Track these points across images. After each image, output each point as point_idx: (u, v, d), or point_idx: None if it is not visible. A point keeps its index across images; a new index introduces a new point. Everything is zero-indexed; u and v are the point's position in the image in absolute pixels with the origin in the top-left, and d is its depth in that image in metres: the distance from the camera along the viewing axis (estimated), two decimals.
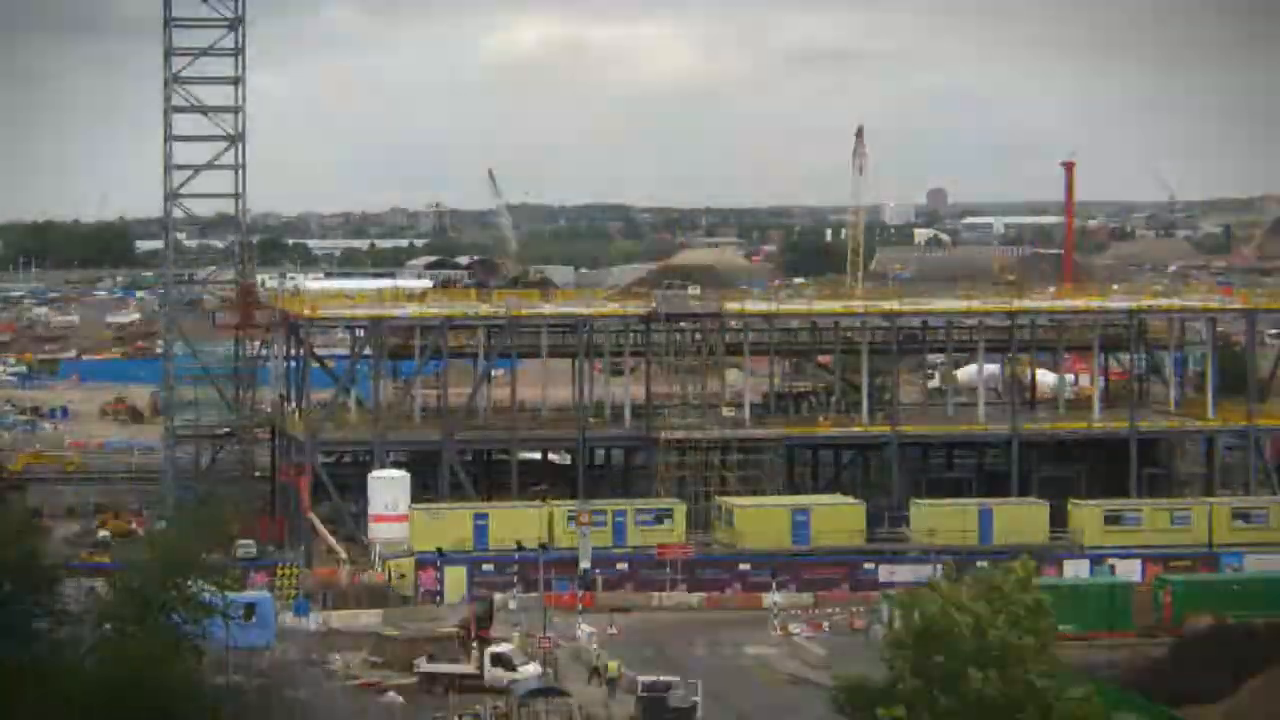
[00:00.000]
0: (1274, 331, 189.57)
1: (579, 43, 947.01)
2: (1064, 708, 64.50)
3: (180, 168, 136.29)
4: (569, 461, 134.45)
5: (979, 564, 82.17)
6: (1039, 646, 65.83)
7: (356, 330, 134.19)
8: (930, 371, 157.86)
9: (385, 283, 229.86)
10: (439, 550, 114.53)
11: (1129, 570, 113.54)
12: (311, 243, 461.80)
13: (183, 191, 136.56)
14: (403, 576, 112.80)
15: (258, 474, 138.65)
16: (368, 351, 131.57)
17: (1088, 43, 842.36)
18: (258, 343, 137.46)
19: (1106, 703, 69.69)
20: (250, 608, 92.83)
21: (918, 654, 66.17)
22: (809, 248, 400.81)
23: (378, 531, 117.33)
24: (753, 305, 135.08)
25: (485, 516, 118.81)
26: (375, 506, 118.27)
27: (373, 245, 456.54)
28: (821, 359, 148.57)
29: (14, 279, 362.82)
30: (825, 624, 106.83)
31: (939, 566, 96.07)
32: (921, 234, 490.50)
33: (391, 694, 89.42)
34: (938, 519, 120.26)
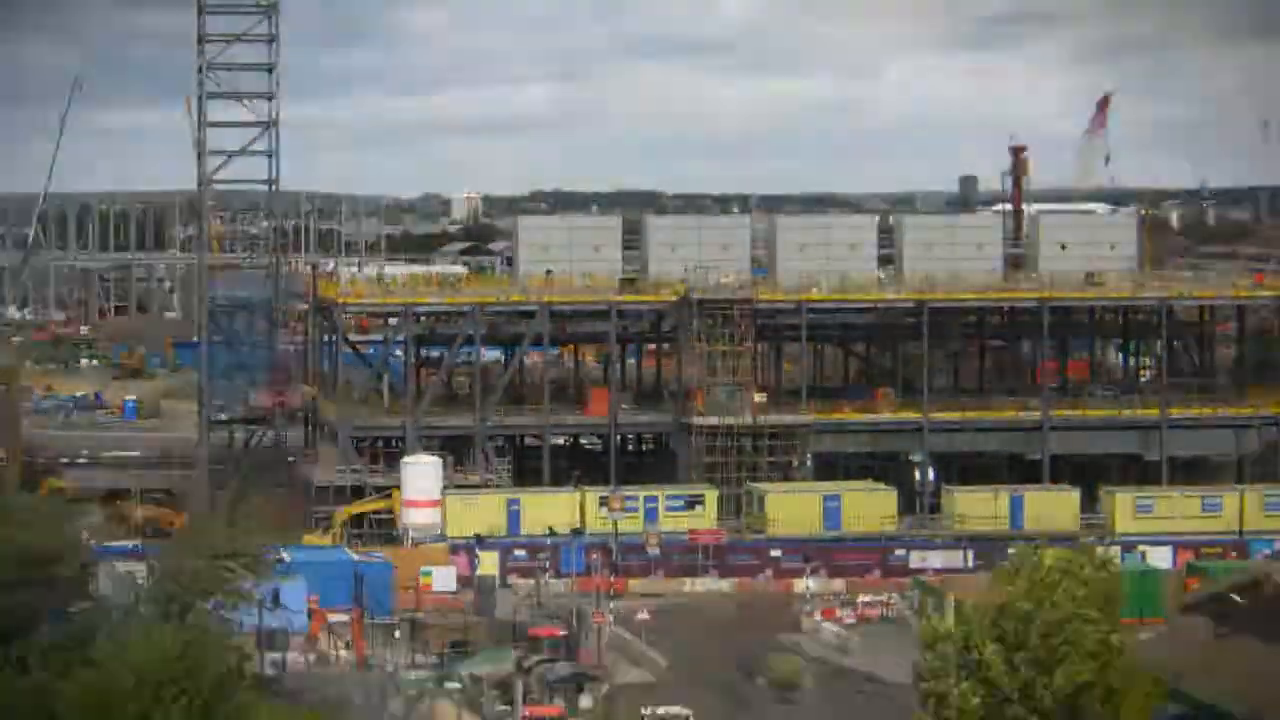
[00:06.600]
0: None
1: None
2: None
3: (214, 153, 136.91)
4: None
5: (1009, 550, 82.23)
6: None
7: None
8: None
9: (419, 268, 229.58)
10: (477, 536, 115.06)
11: (1160, 557, 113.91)
12: (345, 229, 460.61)
13: (216, 177, 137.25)
14: None
15: (291, 459, 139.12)
16: (400, 337, 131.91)
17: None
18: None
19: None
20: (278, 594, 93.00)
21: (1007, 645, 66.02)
22: None
23: (411, 517, 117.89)
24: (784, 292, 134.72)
25: (518, 502, 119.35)
26: (409, 492, 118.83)
27: (406, 232, 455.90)
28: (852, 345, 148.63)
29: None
30: (841, 612, 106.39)
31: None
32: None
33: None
34: (969, 505, 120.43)
